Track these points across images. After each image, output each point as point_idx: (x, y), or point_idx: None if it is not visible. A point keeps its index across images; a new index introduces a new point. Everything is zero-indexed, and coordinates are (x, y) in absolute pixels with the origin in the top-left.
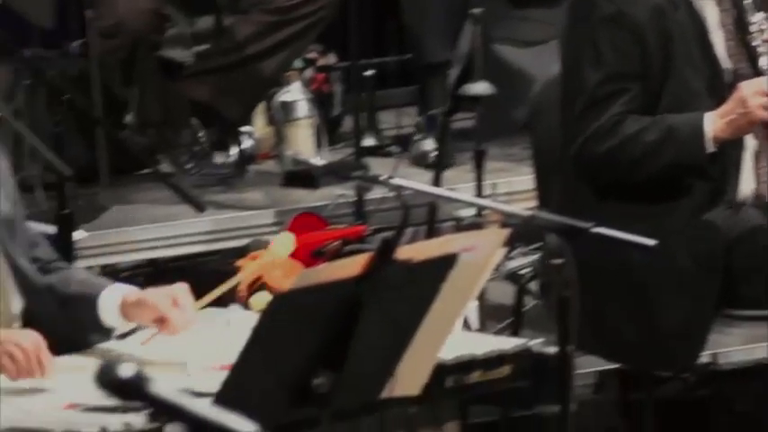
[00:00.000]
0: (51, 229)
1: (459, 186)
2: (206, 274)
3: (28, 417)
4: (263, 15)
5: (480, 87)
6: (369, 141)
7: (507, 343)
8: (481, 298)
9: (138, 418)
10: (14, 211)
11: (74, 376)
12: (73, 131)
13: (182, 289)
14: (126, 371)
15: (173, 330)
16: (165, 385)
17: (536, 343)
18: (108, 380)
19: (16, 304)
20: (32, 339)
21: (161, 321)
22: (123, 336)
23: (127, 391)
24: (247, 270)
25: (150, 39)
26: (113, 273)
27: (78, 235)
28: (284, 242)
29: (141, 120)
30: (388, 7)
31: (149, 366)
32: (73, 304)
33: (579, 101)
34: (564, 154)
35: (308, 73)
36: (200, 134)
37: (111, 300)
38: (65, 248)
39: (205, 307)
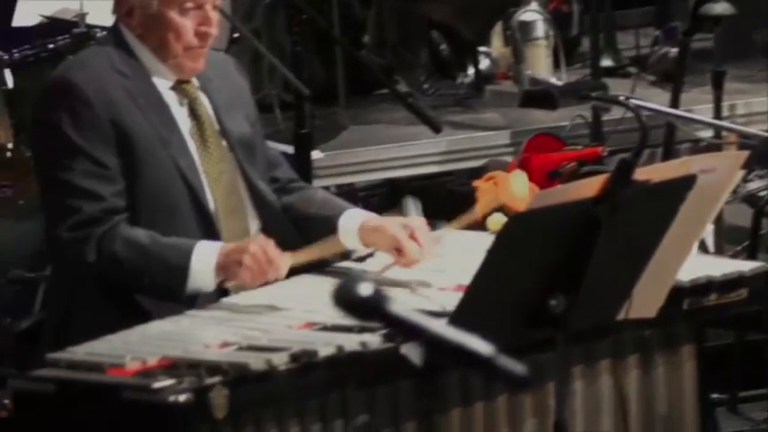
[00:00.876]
0: (289, 148)
1: (697, 107)
2: (442, 194)
3: (265, 335)
4: None
5: (721, 7)
6: (607, 62)
7: (744, 266)
8: (718, 220)
9: (374, 338)
10: (254, 132)
11: (310, 295)
12: (311, 51)
13: (420, 222)
14: (365, 289)
15: (408, 263)
16: (402, 305)
17: None
18: (346, 298)
19: (254, 225)
20: (257, 242)
21: (397, 251)
22: (362, 258)
23: (365, 310)
24: (484, 193)
25: None
26: (350, 192)
27: (316, 154)
28: (520, 181)
29: (379, 39)
30: None
31: (386, 286)
32: (312, 224)
33: None
34: None
35: None
36: (441, 47)
37: (351, 223)
38: (303, 168)
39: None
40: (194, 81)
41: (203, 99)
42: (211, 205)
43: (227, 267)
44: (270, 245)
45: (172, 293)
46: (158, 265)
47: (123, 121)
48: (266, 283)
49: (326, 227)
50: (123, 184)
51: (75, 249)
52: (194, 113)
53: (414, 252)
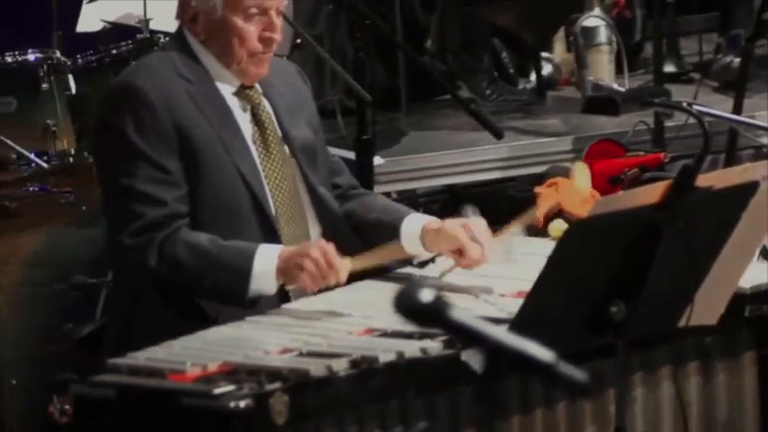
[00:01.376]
0: (351, 154)
1: (760, 113)
2: (503, 200)
3: (325, 341)
4: None
5: None
6: (669, 67)
7: None
8: None
9: (435, 344)
10: (316, 138)
11: (370, 301)
12: (374, 57)
13: (480, 223)
14: (426, 295)
15: (470, 264)
16: (463, 311)
17: None
18: (407, 305)
19: (314, 230)
20: (318, 247)
21: (459, 253)
22: (423, 264)
23: (426, 316)
24: (545, 199)
25: None
26: (411, 198)
27: (377, 160)
28: (584, 173)
29: (441, 45)
30: None
31: (447, 292)
32: (373, 230)
33: None
34: None
35: None
36: (503, 56)
37: (413, 227)
38: (364, 174)
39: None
40: (257, 87)
41: (266, 105)
42: (273, 210)
43: (288, 271)
44: (331, 249)
45: (234, 297)
46: (220, 269)
47: (186, 126)
48: (327, 288)
49: (388, 232)
50: (185, 188)
51: (137, 254)
52: (257, 119)
53: (475, 252)
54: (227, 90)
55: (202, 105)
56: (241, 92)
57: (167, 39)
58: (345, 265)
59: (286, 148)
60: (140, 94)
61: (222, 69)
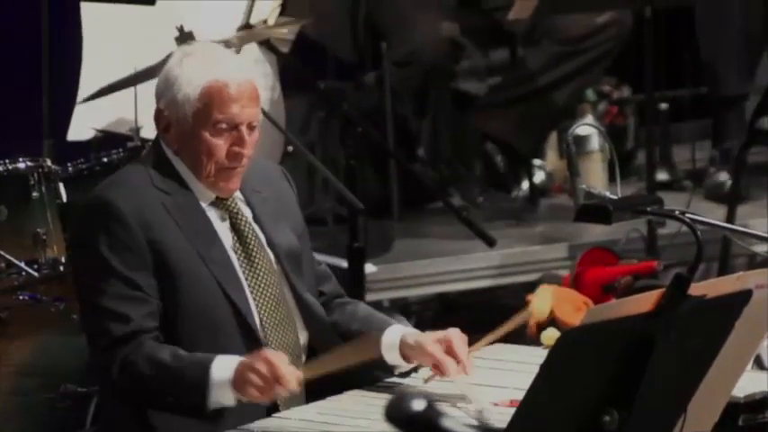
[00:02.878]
0: (343, 262)
1: (753, 221)
2: (495, 308)
3: None
4: (552, 46)
5: None
6: (662, 176)
7: None
8: None
9: None
10: (301, 243)
11: (361, 410)
12: (365, 164)
13: (457, 336)
14: (418, 405)
15: (448, 376)
16: (455, 420)
17: None
18: (399, 413)
19: (303, 336)
20: (262, 358)
21: (436, 367)
22: (405, 374)
23: (417, 425)
24: (537, 307)
25: (445, 68)
26: (404, 306)
27: (369, 268)
28: (545, 297)
29: (433, 153)
30: (683, 39)
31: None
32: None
33: None
34: None
35: (602, 106)
36: (497, 159)
37: (392, 339)
38: (356, 282)
39: (494, 343)
40: (238, 193)
41: (245, 212)
42: (257, 320)
43: (239, 383)
44: (277, 360)
45: (195, 410)
46: (179, 383)
47: (161, 240)
48: (275, 401)
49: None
50: (156, 304)
51: (103, 370)
52: (236, 228)
53: (451, 368)
54: (205, 199)
55: (178, 217)
56: (218, 202)
57: (145, 150)
58: (295, 375)
59: (270, 254)
60: (113, 209)
61: (195, 180)
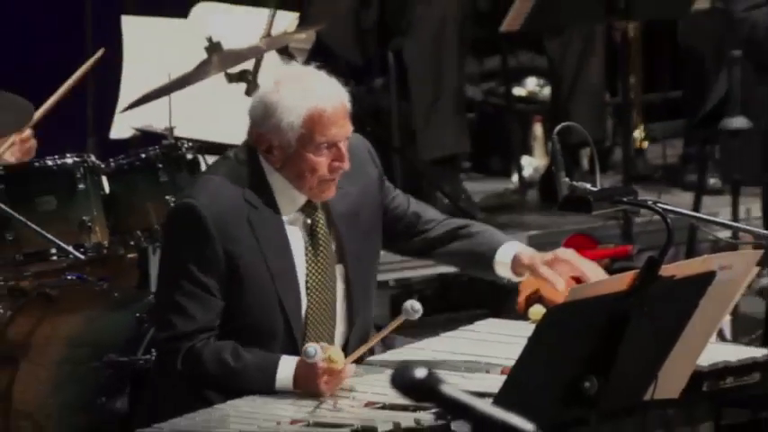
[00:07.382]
0: None
1: (716, 211)
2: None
3: (330, 413)
4: None
5: (738, 122)
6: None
7: (758, 352)
8: (735, 311)
9: (427, 416)
10: (384, 201)
11: (373, 378)
12: None
13: (570, 254)
14: (420, 372)
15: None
16: (453, 386)
17: None
18: (403, 381)
19: (339, 331)
20: (324, 373)
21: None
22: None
23: (420, 391)
24: (526, 286)
25: None
26: (406, 286)
27: None
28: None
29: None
30: (657, 48)
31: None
32: (471, 259)
33: None
34: None
35: None
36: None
37: (504, 257)
38: None
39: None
40: None
41: (323, 220)
42: (302, 323)
43: (300, 381)
44: (335, 364)
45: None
46: (243, 384)
47: (238, 254)
48: None
49: (484, 263)
50: (221, 305)
51: (166, 357)
52: (312, 233)
53: (559, 285)
54: (292, 207)
55: (259, 231)
56: (305, 208)
57: (237, 151)
58: (350, 369)
59: (336, 260)
60: (201, 224)
61: (293, 190)
